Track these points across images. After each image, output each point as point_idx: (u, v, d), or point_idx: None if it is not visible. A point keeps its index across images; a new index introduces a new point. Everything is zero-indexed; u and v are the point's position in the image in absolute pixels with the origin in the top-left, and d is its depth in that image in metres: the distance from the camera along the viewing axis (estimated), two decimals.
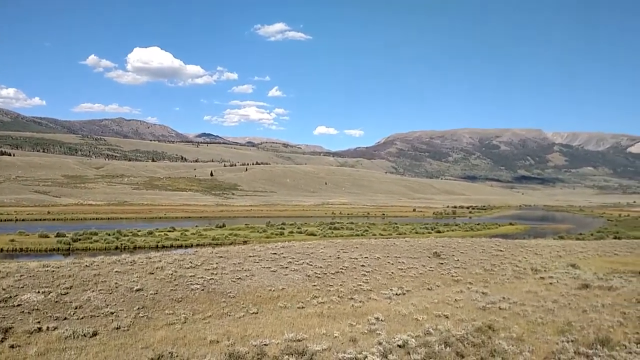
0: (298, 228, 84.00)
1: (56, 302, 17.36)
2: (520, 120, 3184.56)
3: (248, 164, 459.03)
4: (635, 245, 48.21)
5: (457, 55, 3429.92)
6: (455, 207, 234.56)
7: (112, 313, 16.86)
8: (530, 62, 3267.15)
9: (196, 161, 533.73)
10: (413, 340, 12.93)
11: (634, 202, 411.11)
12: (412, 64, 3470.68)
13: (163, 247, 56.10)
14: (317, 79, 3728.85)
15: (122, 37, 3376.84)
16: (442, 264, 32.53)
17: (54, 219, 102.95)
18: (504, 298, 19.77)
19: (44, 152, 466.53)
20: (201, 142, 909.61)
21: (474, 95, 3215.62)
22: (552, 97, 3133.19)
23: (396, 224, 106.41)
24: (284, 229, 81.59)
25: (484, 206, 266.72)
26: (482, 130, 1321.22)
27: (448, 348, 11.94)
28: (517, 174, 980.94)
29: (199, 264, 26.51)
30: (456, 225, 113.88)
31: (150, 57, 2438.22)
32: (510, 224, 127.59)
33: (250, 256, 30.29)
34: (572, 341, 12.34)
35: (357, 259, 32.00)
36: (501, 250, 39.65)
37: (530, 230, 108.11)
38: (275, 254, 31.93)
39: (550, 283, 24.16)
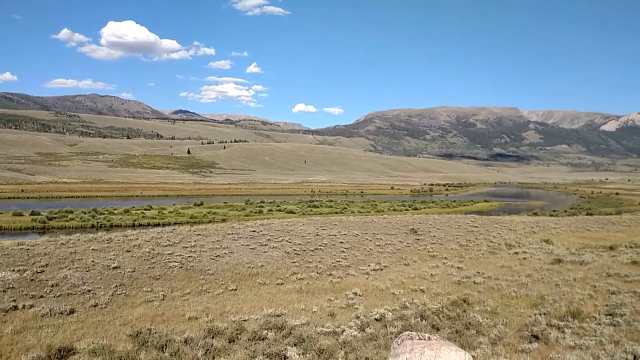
0: (277, 206, 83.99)
1: (32, 280, 17.12)
2: (496, 98, 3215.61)
3: (226, 142, 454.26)
4: (606, 221, 49.55)
5: (436, 34, 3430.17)
6: (432, 184, 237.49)
7: (89, 291, 16.73)
8: (507, 40, 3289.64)
9: (172, 138, 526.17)
10: (390, 314, 13.19)
11: (606, 179, 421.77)
12: (391, 42, 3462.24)
13: (140, 225, 55.56)
14: (296, 56, 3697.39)
15: (96, 10, 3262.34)
16: (418, 240, 33.03)
17: (28, 197, 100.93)
18: (478, 272, 20.23)
19: (16, 128, 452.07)
20: (177, 119, 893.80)
21: (452, 74, 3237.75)
22: (528, 75, 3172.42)
23: (374, 201, 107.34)
24: (263, 207, 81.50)
25: (460, 184, 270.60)
26: (459, 109, 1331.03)
27: (424, 321, 12.23)
28: (493, 151, 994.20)
29: (177, 241, 26.37)
30: (433, 202, 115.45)
31: (125, 31, 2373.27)
32: (486, 200, 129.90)
33: (229, 234, 30.24)
34: (544, 314, 12.69)
35: (335, 235, 32.25)
36: (476, 227, 40.40)
37: (504, 207, 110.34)
38: (254, 231, 31.94)
39: (524, 258, 24.79)
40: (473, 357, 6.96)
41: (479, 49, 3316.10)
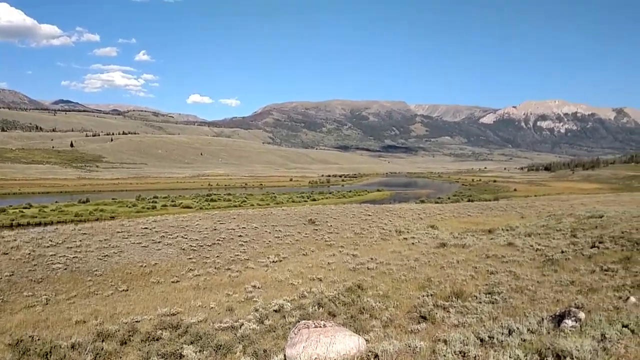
0: (172, 201, 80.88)
1: None
2: (386, 92, 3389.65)
3: (114, 134, 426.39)
4: (485, 207, 54.25)
5: (328, 31, 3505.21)
6: (329, 176, 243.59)
7: None
8: (394, 37, 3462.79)
9: (54, 130, 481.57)
10: (289, 304, 13.33)
11: (485, 168, 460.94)
12: (287, 35, 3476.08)
13: (18, 225, 50.64)
14: (190, 44, 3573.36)
15: None
16: (316, 230, 33.75)
17: None
18: (372, 259, 21.14)
19: None
20: (59, 110, 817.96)
21: (346, 68, 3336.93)
22: (415, 71, 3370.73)
23: (274, 193, 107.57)
24: (156, 202, 78.01)
25: (355, 174, 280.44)
26: (353, 102, 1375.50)
27: (321, 309, 12.53)
28: (384, 143, 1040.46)
29: (60, 242, 24.44)
30: (330, 193, 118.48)
31: None
32: (378, 190, 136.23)
33: (118, 232, 28.61)
34: (431, 295, 13.48)
35: (234, 229, 31.89)
36: (369, 215, 42.19)
37: (395, 196, 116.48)
38: (146, 228, 30.54)
39: (413, 243, 26.32)
40: (366, 340, 7.28)
41: (369, 46, 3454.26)
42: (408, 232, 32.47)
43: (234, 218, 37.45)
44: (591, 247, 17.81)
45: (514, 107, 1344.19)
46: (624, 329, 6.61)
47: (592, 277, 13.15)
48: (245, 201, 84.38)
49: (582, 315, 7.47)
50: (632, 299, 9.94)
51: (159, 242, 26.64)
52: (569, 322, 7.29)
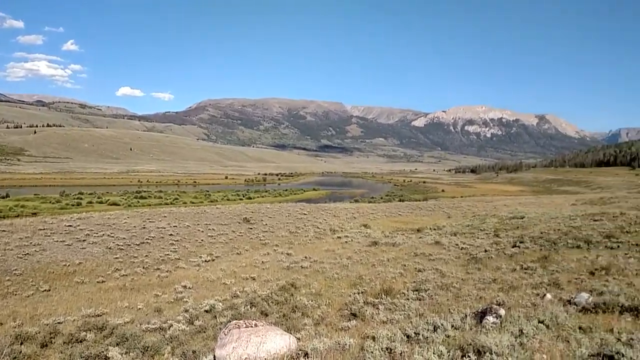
0: (98, 198, 77.16)
1: None
2: (324, 93, 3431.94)
3: (37, 126, 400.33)
4: (415, 206, 56.09)
5: (268, 30, 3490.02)
6: (265, 174, 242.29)
7: None
8: (333, 39, 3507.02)
9: None
10: (220, 304, 13.18)
11: (416, 169, 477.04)
12: (225, 26, 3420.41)
13: None
14: (121, 36, 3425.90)
15: None
16: (251, 228, 33.49)
17: None
18: (306, 257, 21.29)
19: None
20: None
21: (284, 67, 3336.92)
22: (351, 72, 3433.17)
23: (208, 191, 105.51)
24: (81, 199, 74.18)
25: (291, 173, 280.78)
26: (291, 101, 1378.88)
27: (253, 308, 12.48)
28: (321, 143, 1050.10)
29: None
30: (266, 191, 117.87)
31: None
32: (314, 189, 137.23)
33: (40, 229, 27.00)
34: (362, 293, 13.77)
35: (165, 228, 30.99)
36: (305, 214, 42.42)
37: (330, 195, 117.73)
38: (70, 226, 29.01)
39: (346, 242, 26.77)
40: (297, 338, 7.35)
41: (307, 45, 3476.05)
42: (342, 231, 32.97)
43: (165, 216, 36.39)
44: (513, 247, 18.90)
45: (443, 111, 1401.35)
46: (539, 324, 7.09)
47: (513, 276, 13.93)
48: (177, 199, 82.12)
49: (502, 312, 7.91)
50: (548, 295, 10.68)
51: (83, 240, 25.39)
52: (490, 319, 7.69)
